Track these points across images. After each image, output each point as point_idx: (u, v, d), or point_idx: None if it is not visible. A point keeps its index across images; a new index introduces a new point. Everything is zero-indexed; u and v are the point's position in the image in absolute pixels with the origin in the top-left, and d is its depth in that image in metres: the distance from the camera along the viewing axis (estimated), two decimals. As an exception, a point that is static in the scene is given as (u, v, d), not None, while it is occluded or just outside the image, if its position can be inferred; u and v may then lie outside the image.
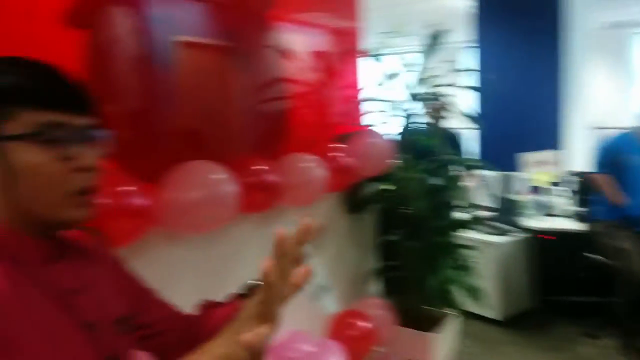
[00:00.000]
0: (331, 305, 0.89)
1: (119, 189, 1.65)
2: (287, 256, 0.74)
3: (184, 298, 1.99)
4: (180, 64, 2.06)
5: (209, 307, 1.10)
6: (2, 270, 0.72)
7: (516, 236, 4.24)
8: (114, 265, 0.99)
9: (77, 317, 0.79)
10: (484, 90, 4.31)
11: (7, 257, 0.75)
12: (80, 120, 0.77)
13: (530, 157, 4.73)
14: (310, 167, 2.39)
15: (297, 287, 0.78)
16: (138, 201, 1.68)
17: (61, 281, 0.80)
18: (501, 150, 4.99)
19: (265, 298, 0.73)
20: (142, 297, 1.04)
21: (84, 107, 0.78)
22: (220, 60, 2.29)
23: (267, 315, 0.75)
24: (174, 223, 1.86)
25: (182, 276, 2.01)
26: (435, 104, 3.20)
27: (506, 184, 4.72)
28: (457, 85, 2.94)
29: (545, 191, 4.63)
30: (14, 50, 0.79)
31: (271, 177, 2.17)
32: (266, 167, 2.17)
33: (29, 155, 0.73)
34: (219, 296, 2.04)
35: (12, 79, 0.73)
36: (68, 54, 1.63)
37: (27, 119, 0.72)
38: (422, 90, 2.99)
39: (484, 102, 3.21)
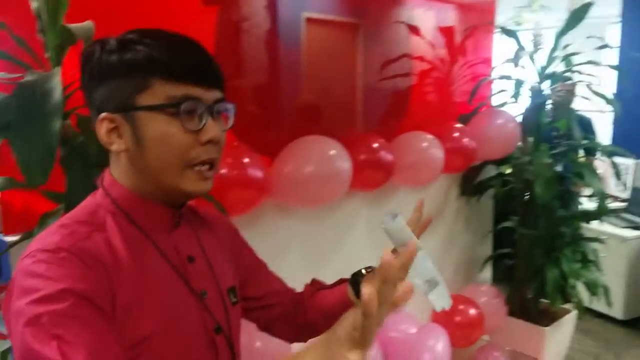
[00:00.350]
0: (442, 300, 0.79)
1: (237, 160, 1.68)
2: (390, 282, 0.65)
3: (291, 269, 2.02)
4: (307, 41, 2.05)
5: (316, 287, 1.10)
6: (123, 236, 0.76)
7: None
8: (230, 235, 1.01)
9: (191, 284, 0.82)
10: (626, 69, 3.87)
11: (131, 222, 0.79)
12: (211, 94, 0.78)
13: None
14: (427, 146, 2.30)
15: (396, 307, 0.67)
16: (254, 173, 1.71)
17: (179, 248, 0.83)
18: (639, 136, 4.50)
19: (363, 325, 0.64)
20: (253, 269, 1.05)
21: (215, 82, 0.79)
22: (347, 36, 2.26)
23: (362, 342, 0.65)
24: (287, 196, 1.88)
25: (290, 248, 2.05)
26: (568, 84, 2.92)
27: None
28: (596, 63, 2.65)
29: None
30: (150, 24, 0.80)
31: (386, 155, 2.11)
32: (382, 145, 2.12)
33: (160, 126, 0.75)
34: (324, 271, 2.06)
35: (149, 51, 0.74)
36: (198, 28, 1.67)
37: (161, 91, 0.74)
38: (555, 68, 2.74)
39: (624, 82, 2.88)
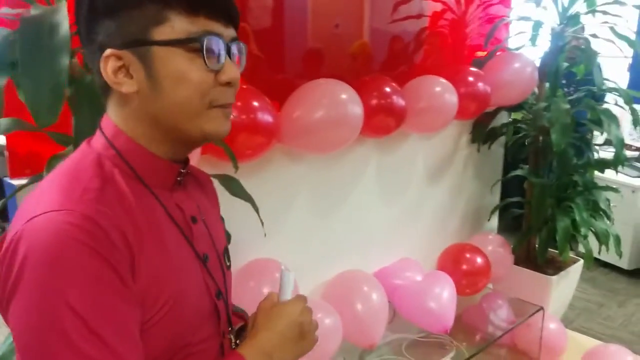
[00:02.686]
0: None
1: (246, 103, 1.62)
2: None
3: (298, 216, 2.02)
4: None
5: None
6: (133, 194, 0.69)
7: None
8: (216, 197, 0.96)
9: (196, 248, 0.77)
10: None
11: (137, 177, 0.72)
12: (228, 32, 0.72)
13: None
14: (441, 91, 2.22)
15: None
16: (264, 117, 1.65)
17: (182, 207, 0.77)
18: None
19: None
20: None
21: (232, 18, 0.72)
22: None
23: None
24: (296, 141, 1.83)
25: (298, 195, 2.01)
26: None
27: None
28: (621, 3, 2.51)
29: None
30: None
31: (398, 100, 2.03)
32: (394, 89, 2.04)
33: (180, 63, 0.68)
34: (332, 218, 2.03)
35: None
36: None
37: (180, 26, 0.67)
38: (577, 9, 2.61)
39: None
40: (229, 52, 0.71)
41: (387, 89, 2.02)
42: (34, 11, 0.95)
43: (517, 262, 2.81)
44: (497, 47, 2.67)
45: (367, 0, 2.21)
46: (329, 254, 2.15)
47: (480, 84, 2.39)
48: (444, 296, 2.20)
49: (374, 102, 1.98)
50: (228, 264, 0.87)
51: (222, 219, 0.98)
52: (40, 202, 0.64)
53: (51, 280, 0.58)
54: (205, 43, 0.68)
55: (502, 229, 3.07)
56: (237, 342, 0.85)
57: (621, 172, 3.81)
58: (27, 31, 0.90)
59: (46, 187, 0.67)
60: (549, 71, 2.59)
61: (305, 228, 2.05)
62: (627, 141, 4.26)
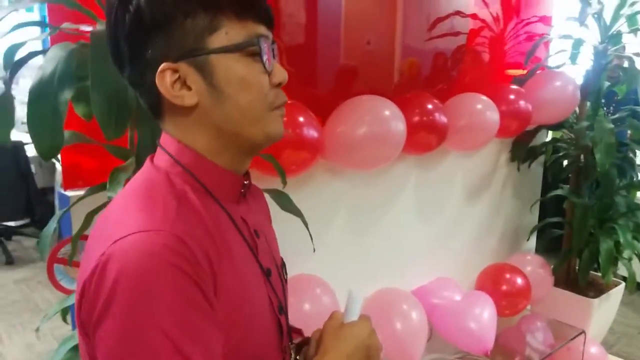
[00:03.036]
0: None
1: (292, 119, 1.63)
2: None
3: (337, 233, 2.01)
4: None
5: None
6: (206, 210, 0.68)
7: None
8: (268, 212, 0.95)
9: (261, 262, 0.76)
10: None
11: (208, 192, 0.71)
12: (270, 34, 0.72)
13: None
14: (482, 109, 2.20)
15: None
16: (309, 133, 1.65)
17: (246, 219, 0.76)
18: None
19: None
20: None
21: (272, 21, 0.73)
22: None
23: None
24: (340, 157, 1.83)
25: (337, 211, 2.01)
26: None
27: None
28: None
29: None
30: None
31: (440, 117, 2.02)
32: (436, 106, 2.03)
33: (241, 68, 0.67)
34: (370, 235, 2.02)
35: None
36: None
37: (234, 31, 0.67)
38: (621, 27, 2.57)
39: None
40: (275, 53, 0.73)
41: (430, 106, 2.01)
42: (102, 26, 0.97)
43: (557, 284, 2.75)
44: (538, 65, 2.64)
45: (400, 18, 2.20)
46: (367, 271, 2.14)
47: (522, 102, 2.37)
48: (484, 317, 2.17)
49: (416, 119, 1.97)
50: (286, 277, 0.86)
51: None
52: (124, 222, 0.62)
53: (145, 304, 0.57)
54: (263, 46, 0.68)
55: (541, 249, 3.01)
56: (297, 357, 0.83)
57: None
58: (97, 47, 0.92)
59: (123, 207, 0.67)
60: (590, 90, 2.54)
61: (344, 244, 2.04)
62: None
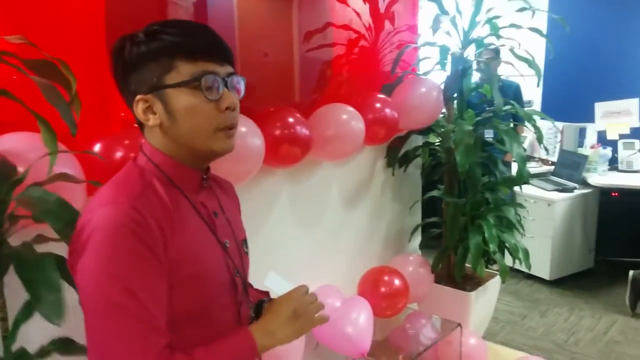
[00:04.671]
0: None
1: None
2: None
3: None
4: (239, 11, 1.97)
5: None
6: (167, 194, 0.93)
7: (576, 192, 3.98)
8: (237, 201, 1.20)
9: (218, 235, 1.00)
10: (553, 32, 3.92)
11: (171, 182, 0.95)
12: (224, 69, 0.93)
13: (603, 106, 4.33)
14: (347, 119, 2.26)
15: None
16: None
17: (206, 205, 1.01)
18: (570, 100, 4.62)
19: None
20: None
21: (227, 58, 0.94)
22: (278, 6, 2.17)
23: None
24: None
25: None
26: (490, 49, 2.92)
27: (571, 136, 4.40)
28: (518, 26, 2.64)
29: (615, 144, 4.28)
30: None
31: (302, 130, 2.06)
32: (297, 120, 2.06)
33: (186, 99, 0.90)
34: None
35: (172, 38, 0.89)
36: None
37: (185, 70, 0.90)
38: (479, 33, 2.73)
39: (554, 45, 2.92)
40: (226, 84, 0.93)
41: (290, 120, 2.04)
42: None
43: (439, 281, 2.87)
44: (405, 73, 2.75)
45: (281, 30, 2.24)
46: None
47: (387, 110, 2.46)
48: (360, 320, 2.22)
49: (277, 132, 1.99)
50: (246, 250, 1.11)
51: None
52: (101, 198, 0.89)
53: (105, 251, 0.83)
54: (203, 80, 0.90)
55: (427, 248, 3.13)
56: (254, 315, 1.09)
57: (538, 187, 4.00)
58: None
59: (104, 189, 0.93)
60: (451, 94, 2.68)
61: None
62: (544, 156, 4.48)
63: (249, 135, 1.85)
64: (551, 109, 4.51)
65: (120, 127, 1.59)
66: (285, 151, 2.03)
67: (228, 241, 1.03)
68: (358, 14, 2.64)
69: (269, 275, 1.09)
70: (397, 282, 2.51)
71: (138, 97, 0.92)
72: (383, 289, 2.48)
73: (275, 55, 2.28)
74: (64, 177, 1.28)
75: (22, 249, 1.17)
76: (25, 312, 1.30)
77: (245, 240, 1.13)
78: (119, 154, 1.47)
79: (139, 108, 0.92)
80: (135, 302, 0.83)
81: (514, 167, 2.77)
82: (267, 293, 1.18)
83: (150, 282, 0.85)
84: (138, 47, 0.90)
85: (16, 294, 1.18)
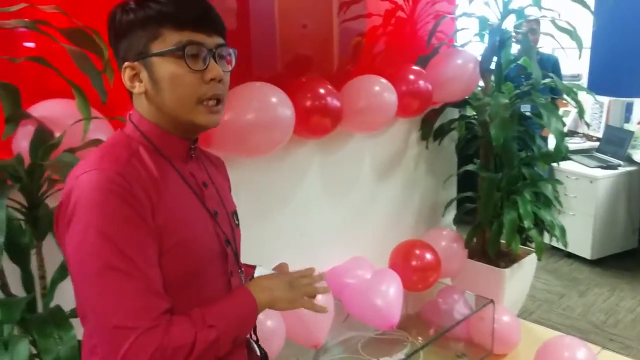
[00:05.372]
0: None
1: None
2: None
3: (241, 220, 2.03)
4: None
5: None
6: (154, 162, 0.92)
7: (620, 170, 3.83)
8: (227, 176, 1.20)
9: (207, 205, 1.00)
10: (601, 4, 3.75)
11: (157, 151, 0.95)
12: (212, 40, 0.92)
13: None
14: (379, 91, 2.24)
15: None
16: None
17: (195, 175, 1.01)
18: (618, 74, 4.43)
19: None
20: None
21: (215, 29, 0.93)
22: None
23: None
24: (227, 146, 1.84)
25: (237, 199, 2.01)
26: (531, 21, 2.82)
27: (618, 111, 4.22)
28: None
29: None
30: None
31: (333, 101, 2.05)
32: (328, 91, 2.06)
33: (170, 68, 0.89)
34: (275, 221, 2.04)
35: (160, 7, 0.89)
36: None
37: (170, 39, 0.89)
38: (519, 3, 2.64)
39: (602, 18, 2.76)
40: (214, 55, 0.92)
41: (321, 90, 2.04)
42: None
43: (473, 256, 2.84)
44: (441, 44, 2.69)
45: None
46: (277, 256, 2.15)
47: (421, 82, 2.42)
48: (390, 293, 2.22)
49: (308, 103, 1.99)
50: (237, 222, 1.11)
51: None
52: (87, 164, 0.88)
53: (94, 215, 0.82)
54: (187, 50, 0.89)
55: (462, 223, 3.10)
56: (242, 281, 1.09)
57: (581, 163, 3.88)
58: None
59: (91, 155, 0.91)
60: (488, 67, 2.61)
61: (246, 231, 2.06)
62: (587, 132, 4.32)
63: (279, 105, 1.86)
64: (598, 83, 4.34)
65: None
66: (315, 122, 2.04)
67: (217, 211, 1.02)
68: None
69: (257, 269, 1.09)
70: (428, 256, 2.50)
71: (125, 64, 0.92)
72: (414, 263, 2.47)
73: (314, 27, 2.27)
74: (97, 142, 1.32)
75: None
76: (62, 272, 1.37)
77: (235, 212, 1.12)
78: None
79: (126, 75, 0.92)
80: (127, 261, 0.82)
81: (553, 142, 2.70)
82: (254, 266, 1.17)
83: (142, 244, 0.85)
84: (127, 15, 0.90)
85: (54, 254, 1.25)
